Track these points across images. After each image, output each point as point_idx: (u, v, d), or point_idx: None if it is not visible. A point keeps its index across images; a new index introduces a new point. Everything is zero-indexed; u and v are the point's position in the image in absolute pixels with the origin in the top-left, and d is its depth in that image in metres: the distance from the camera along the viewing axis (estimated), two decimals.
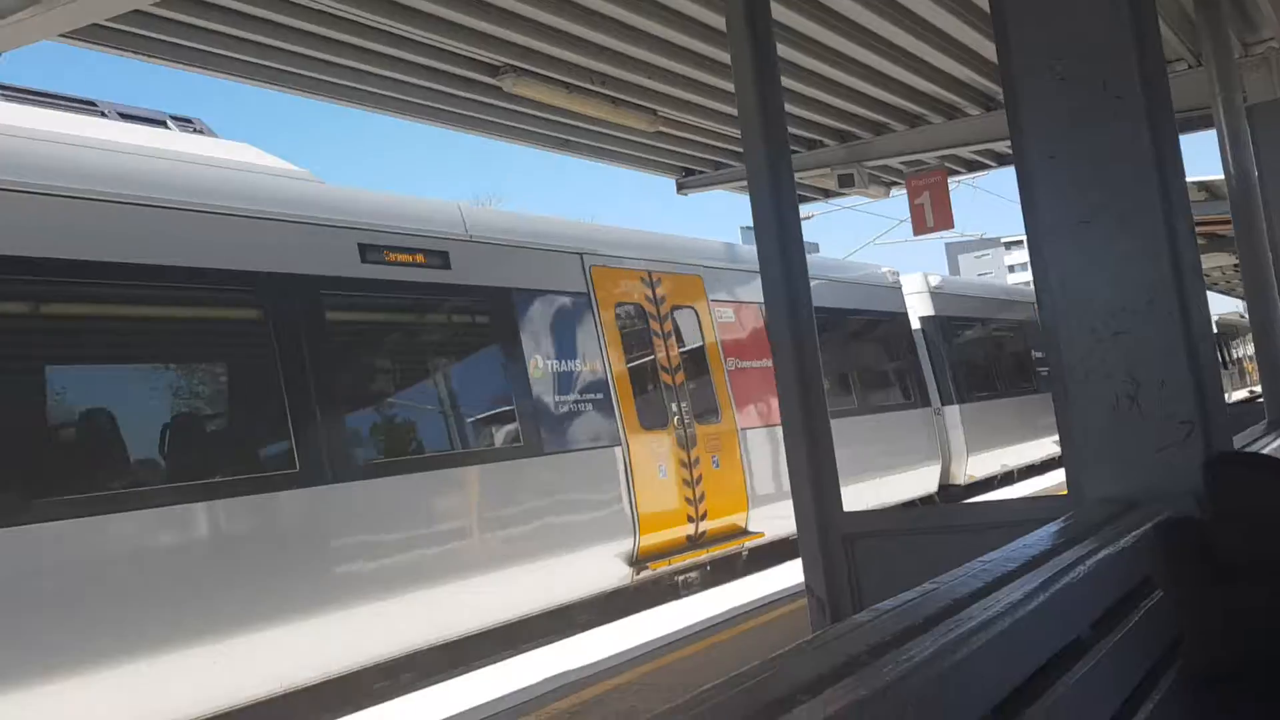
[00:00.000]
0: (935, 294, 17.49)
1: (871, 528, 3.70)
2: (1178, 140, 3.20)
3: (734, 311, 12.38)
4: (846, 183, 10.67)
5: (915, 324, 16.80)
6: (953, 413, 16.54)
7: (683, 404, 11.15)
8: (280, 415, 7.43)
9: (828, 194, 12.72)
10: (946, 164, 11.98)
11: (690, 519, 10.79)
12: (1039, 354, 18.82)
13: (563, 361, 9.98)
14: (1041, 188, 3.18)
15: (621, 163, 10.87)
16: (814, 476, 3.69)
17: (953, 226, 11.63)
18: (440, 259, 8.95)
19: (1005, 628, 1.68)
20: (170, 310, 7.29)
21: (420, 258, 8.74)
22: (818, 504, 3.66)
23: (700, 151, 10.84)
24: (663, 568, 10.43)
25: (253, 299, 7.60)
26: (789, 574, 9.08)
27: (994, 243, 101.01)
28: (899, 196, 14.21)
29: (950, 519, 4.19)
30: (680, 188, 11.68)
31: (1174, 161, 3.15)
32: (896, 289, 16.65)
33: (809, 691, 1.41)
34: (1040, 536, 2.51)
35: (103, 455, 6.74)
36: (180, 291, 7.20)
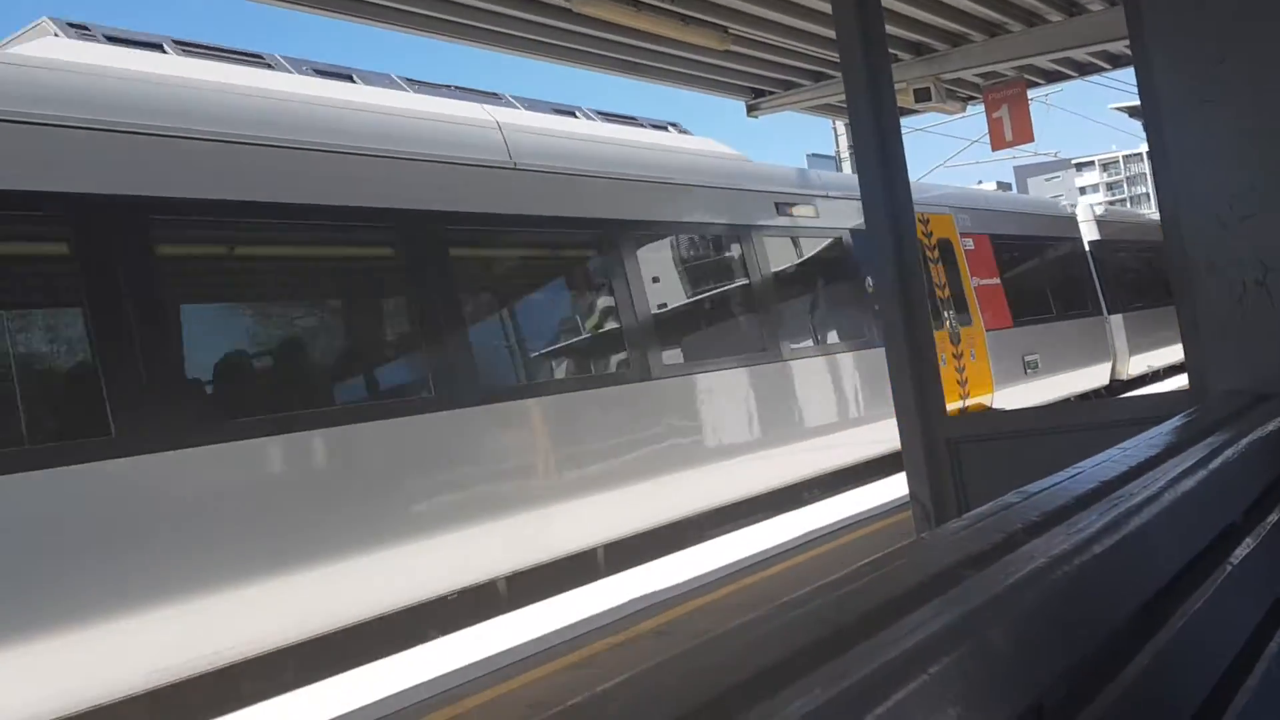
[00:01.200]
0: (1100, 221, 20.30)
1: (975, 431, 3.60)
2: None
3: (972, 241, 15.90)
4: (923, 97, 10.37)
5: (1086, 246, 19.74)
6: (1117, 320, 19.44)
7: (949, 312, 14.58)
8: (755, 311, 11.23)
9: (901, 112, 12.40)
10: (1025, 76, 11.61)
11: (961, 397, 14.16)
12: None
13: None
14: (1161, 67, 3.01)
15: (691, 85, 10.66)
16: (915, 381, 3.59)
17: (1033, 139, 11.28)
18: (812, 208, 12.62)
19: (1168, 504, 1.59)
20: (722, 253, 11.38)
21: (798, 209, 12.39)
22: (920, 409, 3.56)
23: (771, 71, 10.59)
24: None
25: (740, 242, 11.27)
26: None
27: (1064, 164, 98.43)
28: (974, 114, 13.84)
29: (1058, 419, 4.05)
30: (750, 110, 11.45)
31: None
32: (1073, 218, 19.78)
33: (974, 566, 1.34)
34: (1173, 428, 2.40)
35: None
36: (720, 240, 11.27)
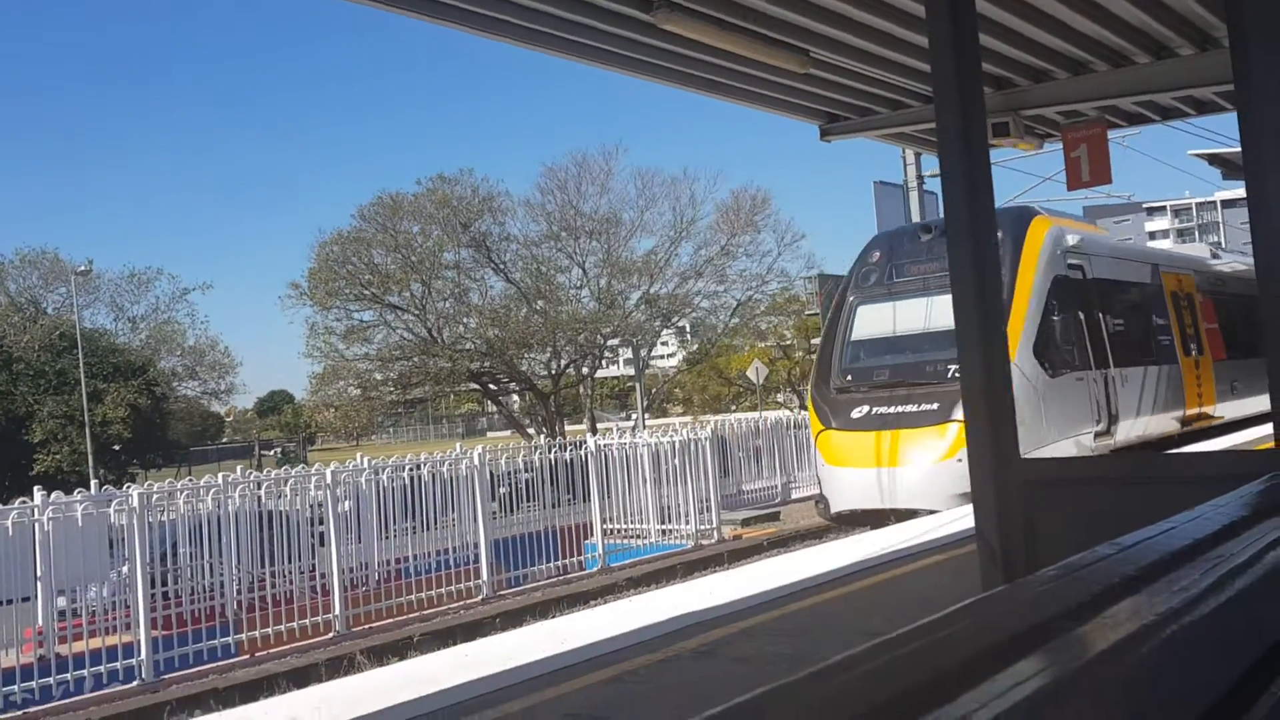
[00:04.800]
0: None
1: (1050, 475, 3.53)
2: None
3: None
4: (1000, 132, 10.24)
5: None
6: None
7: None
8: None
9: None
10: (1106, 116, 11.43)
11: None
12: None
13: None
14: (1266, 114, 2.94)
15: (767, 106, 10.62)
16: (989, 416, 3.52)
17: (1110, 181, 11.10)
18: None
19: (1273, 566, 1.53)
20: None
21: None
22: (995, 448, 3.49)
23: (849, 96, 10.53)
24: None
25: None
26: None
27: (1136, 207, 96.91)
28: (1051, 151, 13.66)
29: (1136, 471, 3.96)
30: (824, 134, 11.38)
31: None
32: None
33: (1074, 618, 1.29)
34: (1267, 487, 2.32)
35: None
36: None
